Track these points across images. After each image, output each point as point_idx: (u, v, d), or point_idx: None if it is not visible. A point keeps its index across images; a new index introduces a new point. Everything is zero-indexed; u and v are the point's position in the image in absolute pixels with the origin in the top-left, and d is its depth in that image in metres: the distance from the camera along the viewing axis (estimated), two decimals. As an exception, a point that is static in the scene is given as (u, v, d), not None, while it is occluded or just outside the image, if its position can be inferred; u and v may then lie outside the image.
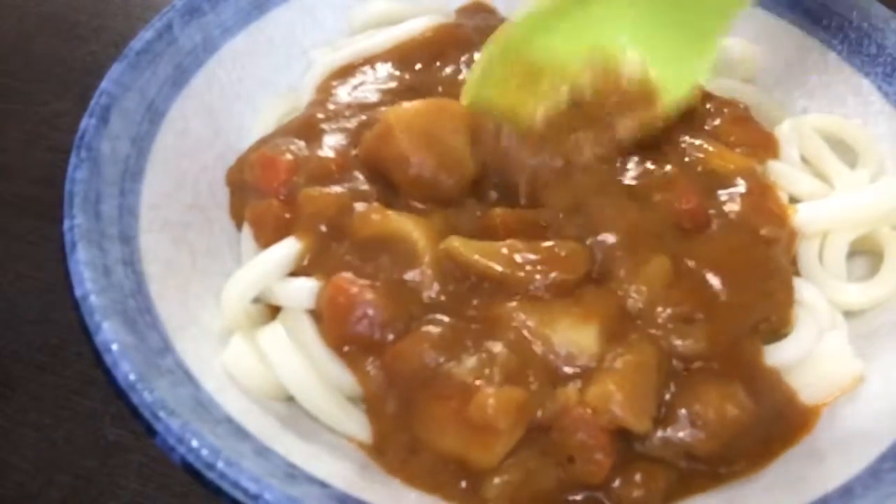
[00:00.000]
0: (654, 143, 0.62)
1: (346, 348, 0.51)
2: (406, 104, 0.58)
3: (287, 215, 0.56)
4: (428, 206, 0.57)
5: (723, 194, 0.59)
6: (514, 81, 0.60)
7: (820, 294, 0.57)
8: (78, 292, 0.47)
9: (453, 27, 0.70)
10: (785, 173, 0.62)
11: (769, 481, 0.50)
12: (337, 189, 0.57)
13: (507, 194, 0.59)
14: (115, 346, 0.45)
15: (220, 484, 0.42)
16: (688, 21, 0.61)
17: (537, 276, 0.51)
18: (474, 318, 0.51)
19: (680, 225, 0.56)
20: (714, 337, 0.52)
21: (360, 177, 0.58)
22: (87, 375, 0.65)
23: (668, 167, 0.59)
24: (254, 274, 0.54)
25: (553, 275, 0.51)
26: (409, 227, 0.53)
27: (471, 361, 0.49)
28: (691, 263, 0.54)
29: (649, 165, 0.60)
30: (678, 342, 0.51)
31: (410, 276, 0.52)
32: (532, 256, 0.52)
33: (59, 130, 0.83)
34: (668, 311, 0.52)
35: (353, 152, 0.59)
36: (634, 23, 0.61)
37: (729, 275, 0.54)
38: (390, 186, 0.57)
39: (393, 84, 0.66)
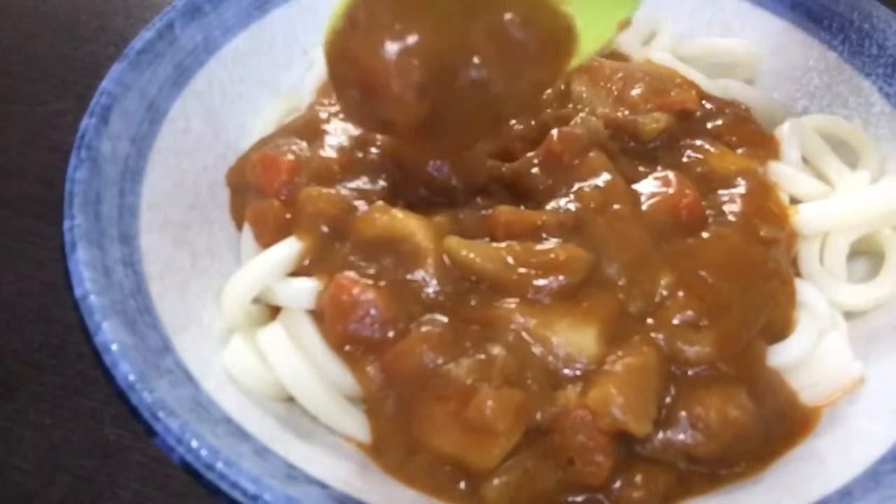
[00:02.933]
0: (655, 145, 0.62)
1: (346, 348, 0.51)
2: None
3: (288, 216, 0.56)
4: (435, 201, 0.57)
5: (723, 195, 0.58)
6: None
7: (820, 295, 0.57)
8: (78, 292, 0.47)
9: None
10: (785, 174, 0.62)
11: (769, 483, 0.50)
12: (339, 189, 0.57)
13: (511, 193, 0.58)
14: (114, 346, 0.45)
15: (220, 484, 0.41)
16: None
17: (536, 280, 0.51)
18: (473, 319, 0.51)
19: (679, 221, 0.55)
20: (721, 342, 0.51)
21: (363, 177, 0.58)
22: (87, 375, 0.65)
23: (665, 166, 0.59)
24: (254, 274, 0.54)
25: (552, 278, 0.51)
26: (413, 226, 0.53)
27: (470, 363, 0.48)
28: (694, 267, 0.54)
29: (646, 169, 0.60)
30: (685, 347, 0.51)
31: (413, 275, 0.52)
32: (531, 259, 0.52)
33: (59, 130, 0.83)
34: (675, 318, 0.51)
35: (357, 154, 0.59)
36: None
37: (732, 277, 0.54)
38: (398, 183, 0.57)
39: None
